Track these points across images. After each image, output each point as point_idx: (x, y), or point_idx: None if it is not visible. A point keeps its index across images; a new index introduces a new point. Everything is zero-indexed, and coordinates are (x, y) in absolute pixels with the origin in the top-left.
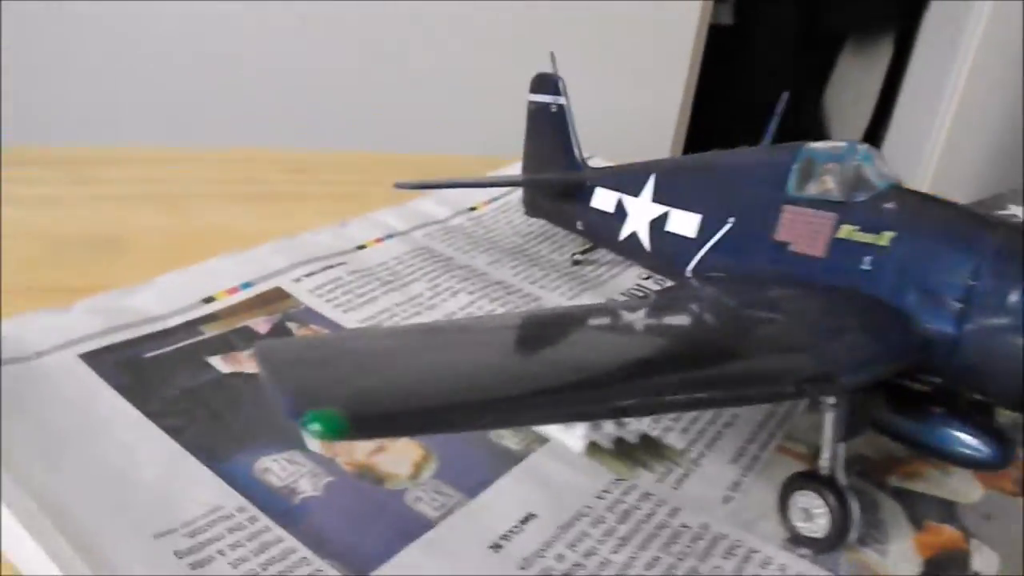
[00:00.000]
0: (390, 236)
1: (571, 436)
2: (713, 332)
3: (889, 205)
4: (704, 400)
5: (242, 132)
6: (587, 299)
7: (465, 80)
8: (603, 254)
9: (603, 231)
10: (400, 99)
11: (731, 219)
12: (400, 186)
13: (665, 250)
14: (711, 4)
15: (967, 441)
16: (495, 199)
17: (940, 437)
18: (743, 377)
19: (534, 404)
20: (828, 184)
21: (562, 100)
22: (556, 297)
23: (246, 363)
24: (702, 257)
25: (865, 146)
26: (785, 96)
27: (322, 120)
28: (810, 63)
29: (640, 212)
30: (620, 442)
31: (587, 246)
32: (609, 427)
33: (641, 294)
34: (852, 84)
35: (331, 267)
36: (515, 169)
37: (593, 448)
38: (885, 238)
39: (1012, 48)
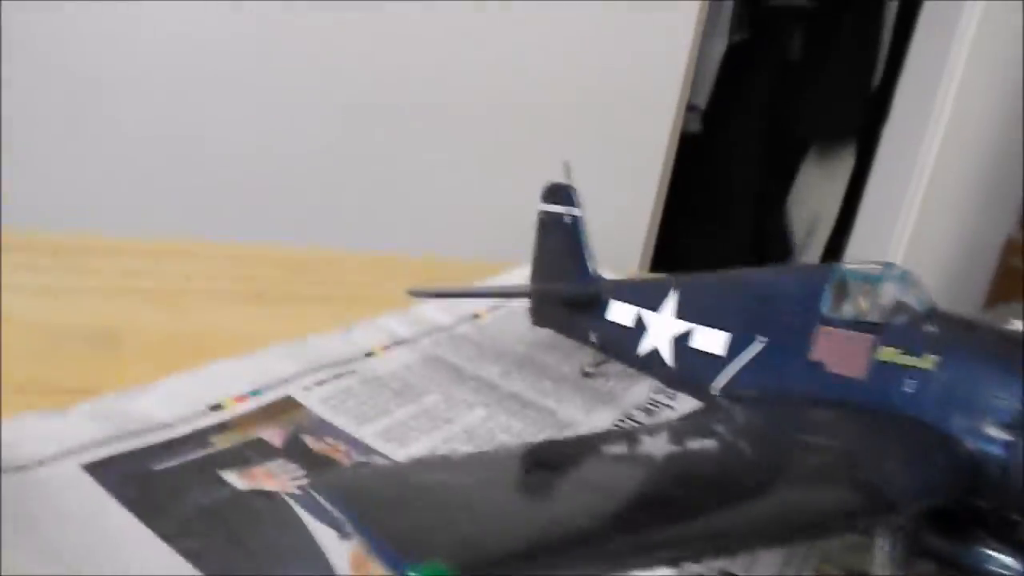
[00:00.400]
0: (398, 344)
1: None
2: (754, 461)
3: (930, 327)
4: (754, 541)
5: (240, 226)
6: (604, 414)
7: (457, 181)
8: (614, 365)
9: (620, 345)
10: (395, 198)
11: (763, 338)
12: (414, 294)
13: (690, 367)
14: (683, 113)
15: (1008, 563)
16: (498, 307)
17: (979, 559)
18: (793, 514)
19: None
20: (864, 305)
21: (577, 211)
22: (572, 411)
23: (263, 479)
24: (732, 376)
25: (900, 268)
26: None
27: (319, 217)
28: (775, 170)
29: (662, 327)
30: None
31: (598, 359)
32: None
33: (682, 414)
34: (815, 191)
35: (341, 376)
36: (516, 274)
37: None
38: (929, 361)
39: (970, 160)
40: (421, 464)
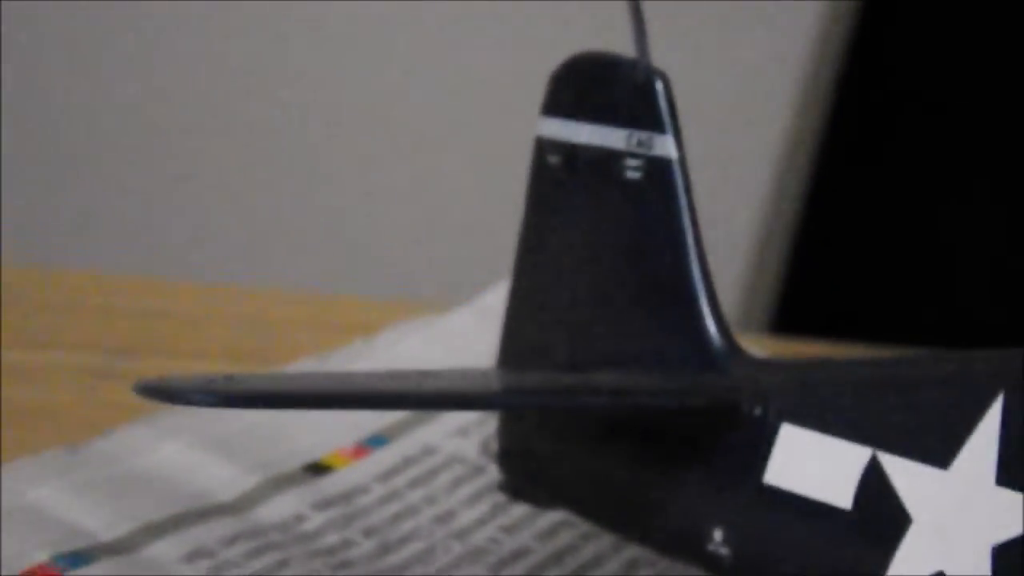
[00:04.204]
0: (78, 560)
1: None
2: None
3: None
4: None
5: None
6: None
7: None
8: None
9: (808, 565)
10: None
11: None
12: (145, 392)
13: None
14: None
15: None
16: (381, 441)
17: None
18: None
19: None
20: None
21: (668, 146)
22: None
23: None
24: None
25: None
26: None
27: None
28: None
29: (960, 513)
30: None
31: None
32: None
33: None
34: None
35: None
36: (425, 334)
37: None
38: None
39: None
40: None
